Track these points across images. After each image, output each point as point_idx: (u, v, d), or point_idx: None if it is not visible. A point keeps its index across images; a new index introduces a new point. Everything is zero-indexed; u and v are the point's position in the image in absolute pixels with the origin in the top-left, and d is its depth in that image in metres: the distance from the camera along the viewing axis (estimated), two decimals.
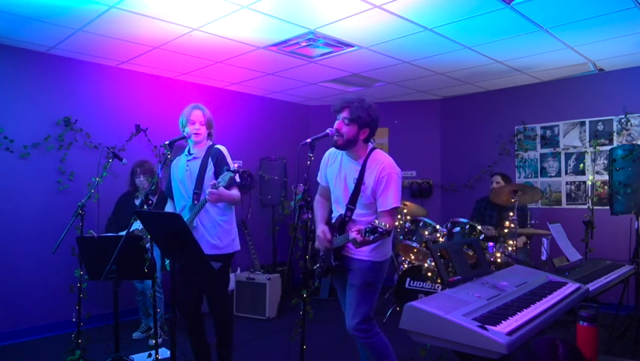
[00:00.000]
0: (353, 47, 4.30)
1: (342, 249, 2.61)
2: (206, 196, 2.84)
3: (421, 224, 4.80)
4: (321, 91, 6.06)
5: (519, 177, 5.85)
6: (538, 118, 5.70)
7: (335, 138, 2.60)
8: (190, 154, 3.10)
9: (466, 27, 3.82)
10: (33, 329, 4.27)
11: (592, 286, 2.82)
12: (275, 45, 4.26)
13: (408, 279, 4.51)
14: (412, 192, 6.56)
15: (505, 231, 4.47)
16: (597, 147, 5.13)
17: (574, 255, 3.48)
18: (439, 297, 2.10)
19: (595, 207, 4.70)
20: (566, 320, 3.51)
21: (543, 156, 5.67)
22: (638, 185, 3.86)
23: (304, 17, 3.65)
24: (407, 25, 3.78)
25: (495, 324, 1.78)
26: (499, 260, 4.20)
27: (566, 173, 5.48)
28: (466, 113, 6.40)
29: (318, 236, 2.64)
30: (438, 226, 4.72)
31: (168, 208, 3.24)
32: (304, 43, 4.23)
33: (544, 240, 4.13)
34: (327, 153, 2.81)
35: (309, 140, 2.59)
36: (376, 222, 2.25)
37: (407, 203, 5.35)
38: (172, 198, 3.22)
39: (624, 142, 4.97)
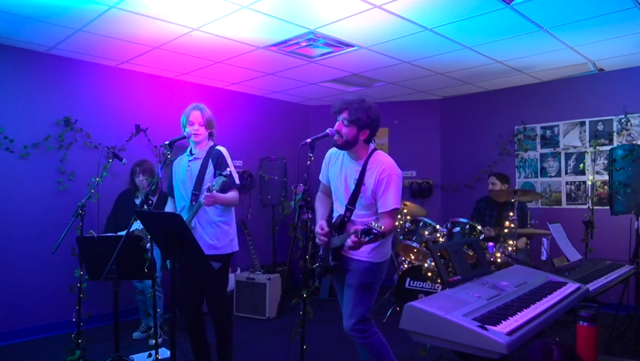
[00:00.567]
0: (353, 47, 4.30)
1: (341, 249, 2.61)
2: (201, 199, 2.84)
3: (421, 224, 4.80)
4: (321, 91, 6.06)
5: (519, 177, 5.85)
6: (538, 118, 5.70)
7: (335, 138, 2.60)
8: (191, 154, 3.10)
9: (466, 27, 3.82)
10: (33, 329, 4.27)
11: (592, 286, 2.82)
12: (275, 45, 4.26)
13: (408, 279, 4.52)
14: (412, 192, 6.56)
15: (505, 231, 4.47)
16: (597, 147, 5.13)
17: (574, 255, 3.48)
18: (439, 297, 2.10)
19: (595, 207, 4.70)
20: (566, 319, 3.51)
21: (543, 156, 5.67)
22: (638, 185, 3.86)
23: (304, 17, 3.65)
24: (407, 25, 3.78)
25: (495, 324, 1.78)
26: (499, 260, 4.20)
27: (566, 173, 5.48)
28: (466, 113, 6.40)
29: (316, 231, 2.65)
30: (438, 226, 4.72)
31: (169, 208, 3.24)
32: (304, 43, 4.23)
33: (544, 240, 4.13)
34: (329, 152, 2.81)
35: (309, 140, 2.59)
36: (373, 223, 2.24)
37: (407, 203, 5.35)
38: (173, 198, 3.22)
39: (624, 142, 4.97)
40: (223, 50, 4.37)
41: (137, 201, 4.15)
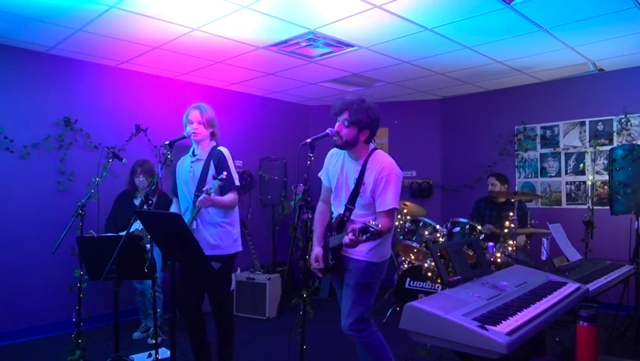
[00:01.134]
0: (353, 47, 4.30)
1: (340, 248, 2.61)
2: (197, 202, 2.83)
3: (421, 224, 4.80)
4: (321, 91, 6.06)
5: (519, 177, 5.85)
6: (538, 118, 5.70)
7: (335, 139, 2.60)
8: (194, 155, 3.10)
9: (466, 27, 3.82)
10: (33, 329, 4.27)
11: (592, 286, 2.82)
12: (275, 45, 4.26)
13: (408, 279, 4.52)
14: (412, 192, 6.56)
15: (505, 231, 4.47)
16: (597, 147, 5.13)
17: (574, 255, 3.48)
18: (439, 297, 2.10)
19: (595, 207, 4.70)
20: (566, 319, 3.51)
21: (543, 156, 5.67)
22: (638, 185, 3.86)
23: (304, 17, 3.65)
24: (407, 25, 3.78)
25: (495, 324, 1.78)
26: (499, 260, 4.20)
27: (566, 173, 5.48)
28: (466, 113, 6.40)
29: (311, 259, 2.65)
30: (438, 226, 4.72)
31: (173, 208, 3.24)
32: (304, 43, 4.23)
33: (544, 240, 4.12)
34: (331, 152, 2.81)
35: (309, 140, 2.59)
36: (371, 222, 2.24)
37: (407, 203, 5.35)
38: (177, 198, 3.22)
39: (624, 142, 4.97)
40: (223, 50, 4.37)
41: (137, 202, 4.15)
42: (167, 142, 2.96)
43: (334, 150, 2.78)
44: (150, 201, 3.09)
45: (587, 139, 5.31)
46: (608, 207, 4.07)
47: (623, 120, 5.05)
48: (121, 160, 3.72)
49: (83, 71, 4.67)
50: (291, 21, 3.71)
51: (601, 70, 5.13)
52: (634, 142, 4.90)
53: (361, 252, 2.57)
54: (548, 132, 5.62)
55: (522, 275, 2.60)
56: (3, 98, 4.17)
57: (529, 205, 5.16)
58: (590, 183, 5.18)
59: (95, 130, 4.68)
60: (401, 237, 4.87)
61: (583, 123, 5.36)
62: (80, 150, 4.58)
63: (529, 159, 5.78)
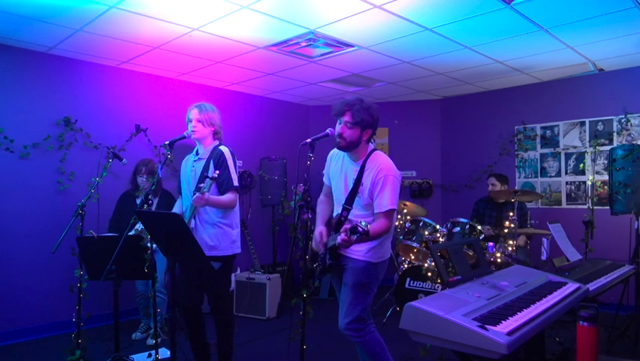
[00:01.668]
0: (353, 46, 4.30)
1: (339, 248, 2.62)
2: (192, 201, 2.83)
3: (421, 224, 4.80)
4: (321, 91, 6.06)
5: (519, 177, 5.85)
6: (538, 118, 5.70)
7: (337, 140, 2.59)
8: (197, 155, 3.11)
9: (466, 27, 3.82)
10: (33, 329, 4.27)
11: (592, 286, 2.82)
12: (275, 45, 4.26)
13: (408, 279, 4.52)
14: (412, 192, 6.56)
15: (505, 231, 4.47)
16: (597, 147, 5.13)
17: (574, 255, 3.48)
18: (439, 297, 2.10)
19: (595, 207, 4.70)
20: (566, 319, 3.52)
21: (543, 156, 5.67)
22: (638, 185, 3.86)
23: (304, 17, 3.65)
24: (407, 25, 3.78)
25: (495, 324, 1.78)
26: (499, 260, 4.20)
27: (566, 173, 5.48)
28: (466, 113, 6.40)
29: (314, 237, 2.65)
30: (438, 226, 4.72)
31: (177, 207, 3.24)
32: (304, 44, 4.23)
33: (544, 240, 4.13)
34: (332, 152, 2.81)
35: (309, 140, 2.60)
36: (361, 222, 2.23)
37: (407, 203, 5.35)
38: (182, 196, 3.22)
39: (624, 142, 4.97)
40: (223, 50, 4.37)
41: (139, 201, 4.14)
42: (167, 142, 2.95)
43: (335, 151, 2.78)
44: (150, 201, 3.09)
45: (587, 139, 5.31)
46: (608, 207, 4.07)
47: (623, 120, 5.05)
48: (121, 160, 3.72)
49: (83, 71, 4.67)
50: (291, 21, 3.71)
51: (601, 70, 5.13)
52: (634, 142, 4.90)
53: (360, 252, 2.58)
54: (548, 132, 5.62)
55: (522, 275, 2.60)
56: (3, 98, 4.18)
57: (529, 205, 5.16)
58: (590, 183, 5.18)
59: (95, 130, 4.68)
60: (401, 237, 4.87)
61: (583, 123, 5.36)
62: (79, 150, 4.58)
63: (529, 159, 5.78)
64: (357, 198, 2.60)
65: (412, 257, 4.94)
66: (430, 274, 4.40)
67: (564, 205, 5.48)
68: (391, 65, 4.87)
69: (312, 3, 3.39)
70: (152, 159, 4.55)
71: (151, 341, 4.02)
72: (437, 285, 4.33)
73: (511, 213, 4.45)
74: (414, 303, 1.92)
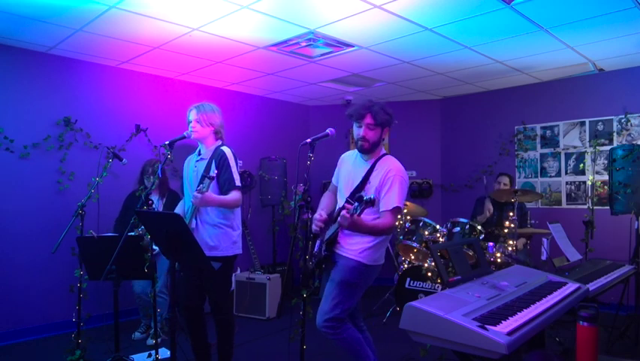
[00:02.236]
0: (353, 46, 4.30)
1: (335, 243, 2.63)
2: (192, 200, 2.83)
3: (421, 224, 4.80)
4: (321, 91, 6.06)
5: (519, 177, 5.85)
6: (538, 118, 5.70)
7: (360, 143, 2.63)
8: (199, 155, 3.11)
9: (466, 27, 3.82)
10: (33, 329, 4.27)
11: (592, 286, 2.82)
12: (275, 45, 4.26)
13: (408, 279, 4.52)
14: (412, 192, 6.56)
15: (505, 231, 4.47)
16: (597, 147, 5.13)
17: (574, 255, 3.48)
18: (439, 297, 2.10)
19: (595, 207, 4.70)
20: (566, 319, 3.52)
21: (543, 156, 5.67)
22: (638, 185, 3.86)
23: (304, 17, 3.65)
24: (407, 25, 3.78)
25: (495, 324, 1.78)
26: (499, 260, 4.20)
27: (566, 173, 5.48)
28: (466, 113, 6.40)
29: (314, 217, 2.65)
30: (438, 226, 4.72)
31: (179, 208, 3.24)
32: (304, 44, 4.23)
33: (544, 240, 4.13)
34: (343, 156, 2.89)
35: (309, 140, 2.60)
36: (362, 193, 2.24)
37: (407, 203, 5.34)
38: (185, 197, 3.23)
39: (624, 142, 4.97)
40: (223, 50, 4.37)
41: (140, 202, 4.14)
42: (167, 142, 2.95)
43: (347, 154, 2.86)
44: (150, 201, 3.09)
45: (587, 139, 5.31)
46: (608, 207, 4.07)
47: (623, 120, 5.05)
48: (121, 160, 3.72)
49: (82, 71, 4.67)
50: (291, 21, 3.71)
51: (601, 70, 5.13)
52: (634, 142, 4.90)
53: (354, 251, 2.59)
54: (548, 132, 5.62)
55: (522, 275, 2.60)
56: (3, 98, 4.18)
57: (529, 205, 5.16)
58: (590, 183, 5.18)
59: (95, 130, 4.68)
60: (401, 237, 4.87)
61: (583, 123, 5.36)
62: (80, 150, 4.58)
63: (529, 159, 5.78)
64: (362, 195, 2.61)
65: (412, 257, 4.94)
66: (430, 274, 4.40)
67: (564, 205, 5.48)
68: (391, 65, 4.87)
69: (312, 3, 3.39)
70: (160, 159, 4.55)
71: (151, 341, 4.02)
72: (437, 285, 4.33)
73: (511, 214, 4.45)
74: (414, 303, 1.91)
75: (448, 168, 6.58)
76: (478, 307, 1.96)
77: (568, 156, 5.48)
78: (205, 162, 3.03)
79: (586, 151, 5.31)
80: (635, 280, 3.84)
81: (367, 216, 2.55)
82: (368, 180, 2.61)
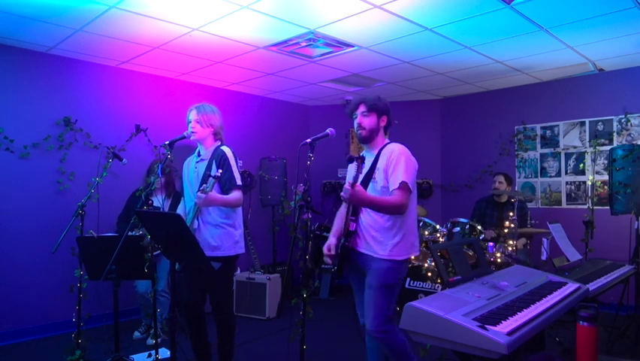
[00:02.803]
0: (353, 46, 4.30)
1: (353, 236, 2.62)
2: (196, 200, 2.83)
3: (421, 224, 4.80)
4: (321, 91, 6.06)
5: (519, 177, 5.85)
6: (538, 118, 5.70)
7: (358, 132, 2.69)
8: (199, 155, 3.11)
9: (466, 27, 3.82)
10: (33, 329, 4.27)
11: (592, 286, 2.82)
12: (275, 45, 4.26)
13: (408, 279, 4.51)
14: None
15: (505, 231, 4.47)
16: (597, 147, 5.13)
17: (574, 255, 3.48)
18: (439, 297, 2.10)
19: (595, 207, 4.69)
20: (566, 319, 3.52)
21: (543, 156, 5.67)
22: (638, 185, 3.86)
23: (304, 17, 3.65)
24: (407, 25, 3.78)
25: (495, 324, 1.78)
26: (499, 260, 4.20)
27: (566, 173, 5.48)
28: (466, 113, 6.40)
29: (324, 250, 2.69)
30: (438, 226, 4.72)
31: (180, 208, 3.25)
32: (304, 44, 4.23)
33: (544, 240, 4.13)
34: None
35: (309, 140, 2.60)
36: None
37: None
38: (185, 198, 3.23)
39: (624, 142, 4.97)
40: (223, 50, 4.37)
41: (152, 200, 4.12)
42: (167, 142, 2.96)
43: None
44: (150, 201, 3.09)
45: (587, 139, 5.30)
46: (608, 207, 4.07)
47: (623, 120, 5.05)
48: (121, 160, 3.71)
49: (82, 71, 4.67)
50: (291, 21, 3.71)
51: (601, 70, 5.13)
52: (634, 142, 4.90)
53: (384, 250, 2.56)
54: (548, 132, 5.62)
55: (522, 275, 2.60)
56: (3, 98, 4.18)
57: (529, 205, 5.16)
58: (590, 183, 5.18)
59: (95, 130, 4.69)
60: None
61: (583, 123, 5.36)
62: (80, 150, 4.58)
63: (529, 159, 5.78)
64: (371, 184, 2.62)
65: (412, 257, 4.94)
66: (430, 274, 4.40)
67: (564, 205, 5.48)
68: (391, 65, 4.87)
69: (312, 3, 3.39)
70: (150, 159, 4.55)
71: (151, 341, 4.01)
72: (437, 285, 4.33)
73: (511, 214, 4.45)
74: (414, 303, 1.92)
75: (448, 168, 6.58)
76: (478, 307, 1.97)
77: (568, 156, 5.48)
78: (205, 163, 3.04)
79: (586, 151, 5.31)
80: (635, 280, 3.84)
81: (378, 196, 2.56)
82: (376, 166, 2.62)
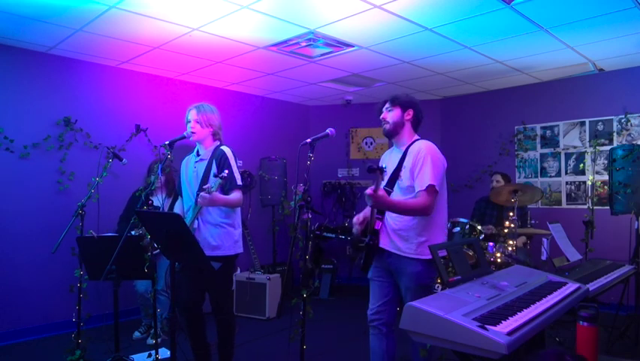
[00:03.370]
0: (353, 46, 4.30)
1: (378, 234, 2.63)
2: (198, 200, 2.83)
3: None
4: (321, 91, 6.06)
5: (519, 177, 5.85)
6: (538, 118, 5.70)
7: (383, 126, 2.70)
8: (198, 155, 3.11)
9: (466, 27, 3.82)
10: (33, 329, 4.27)
11: (592, 286, 2.81)
12: (275, 45, 4.26)
13: None
14: None
15: (505, 231, 4.46)
16: (597, 147, 5.13)
17: (574, 255, 3.48)
18: (439, 297, 2.10)
19: (595, 207, 4.69)
20: (566, 319, 3.52)
21: (543, 156, 5.67)
22: (638, 185, 3.86)
23: (304, 17, 3.65)
24: (407, 25, 3.78)
25: (495, 324, 1.78)
26: (499, 260, 4.19)
27: (566, 173, 5.48)
28: (466, 113, 6.40)
29: (355, 218, 2.75)
30: None
31: (177, 207, 3.24)
32: (304, 44, 4.23)
33: (544, 240, 4.13)
34: (383, 155, 2.91)
35: (309, 140, 2.60)
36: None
37: None
38: (182, 197, 3.22)
39: (624, 142, 4.97)
40: (223, 50, 4.37)
41: (153, 199, 4.13)
42: (167, 142, 2.95)
43: (385, 152, 2.88)
44: (150, 201, 3.09)
45: (587, 139, 5.31)
46: (608, 207, 4.07)
47: (623, 120, 5.05)
48: (121, 160, 3.71)
49: (82, 71, 4.67)
50: (291, 21, 3.71)
51: (601, 70, 5.13)
52: (634, 142, 4.90)
53: (412, 249, 2.56)
54: (548, 132, 5.62)
55: (522, 275, 2.60)
56: (3, 98, 4.18)
57: (529, 206, 5.16)
58: (590, 183, 5.18)
59: (95, 130, 4.69)
60: None
61: (583, 123, 5.37)
62: (79, 150, 4.58)
63: (529, 159, 5.78)
64: (397, 181, 2.62)
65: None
66: None
67: (564, 205, 5.48)
68: (391, 65, 4.87)
69: (312, 3, 3.39)
70: (150, 159, 4.55)
71: (151, 341, 4.02)
72: (437, 285, 4.32)
73: (511, 213, 4.45)
74: (414, 303, 1.91)
75: (448, 168, 6.52)
76: (478, 307, 1.96)
77: (568, 156, 5.48)
78: (205, 163, 3.04)
79: (586, 151, 5.31)
80: (635, 280, 3.84)
81: (402, 197, 2.56)
82: (402, 164, 2.61)
